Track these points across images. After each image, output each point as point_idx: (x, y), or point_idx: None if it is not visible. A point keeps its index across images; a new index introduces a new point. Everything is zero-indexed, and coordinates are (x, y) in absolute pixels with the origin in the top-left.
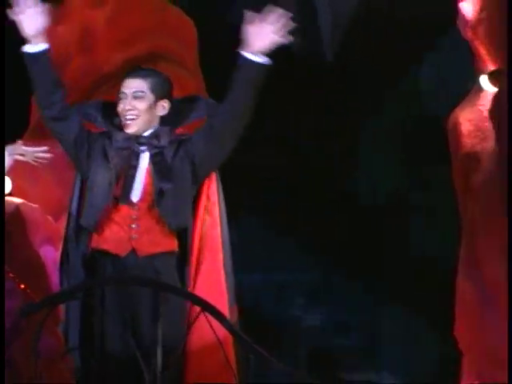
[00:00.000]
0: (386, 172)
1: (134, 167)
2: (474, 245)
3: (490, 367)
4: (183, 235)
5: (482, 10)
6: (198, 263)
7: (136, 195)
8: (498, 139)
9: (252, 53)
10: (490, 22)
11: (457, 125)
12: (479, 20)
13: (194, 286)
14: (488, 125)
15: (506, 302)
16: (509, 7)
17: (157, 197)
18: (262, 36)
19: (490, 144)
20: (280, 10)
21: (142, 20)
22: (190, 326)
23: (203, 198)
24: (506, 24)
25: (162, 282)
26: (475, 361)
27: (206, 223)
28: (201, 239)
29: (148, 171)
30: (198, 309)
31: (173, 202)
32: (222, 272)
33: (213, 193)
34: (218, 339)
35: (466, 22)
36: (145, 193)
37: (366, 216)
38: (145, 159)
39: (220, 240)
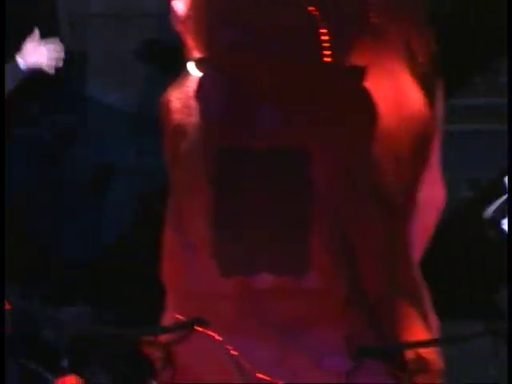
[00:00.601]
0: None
1: None
2: (181, 208)
3: (189, 302)
4: None
5: (190, 8)
6: None
7: None
8: (201, 115)
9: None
10: (197, 18)
11: (168, 102)
12: (188, 16)
13: None
14: (193, 103)
15: (206, 248)
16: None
17: None
18: (37, 55)
19: (194, 119)
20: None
21: None
22: None
23: None
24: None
25: None
26: (177, 297)
27: None
28: None
29: None
30: None
31: None
32: None
33: None
34: None
35: (177, 17)
36: None
37: None
38: None
39: None
